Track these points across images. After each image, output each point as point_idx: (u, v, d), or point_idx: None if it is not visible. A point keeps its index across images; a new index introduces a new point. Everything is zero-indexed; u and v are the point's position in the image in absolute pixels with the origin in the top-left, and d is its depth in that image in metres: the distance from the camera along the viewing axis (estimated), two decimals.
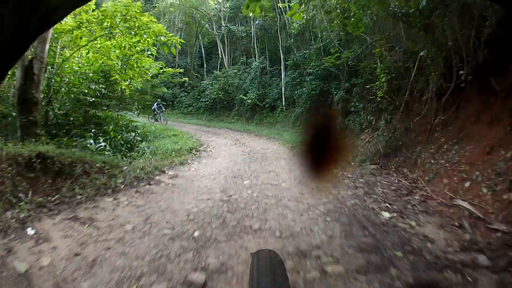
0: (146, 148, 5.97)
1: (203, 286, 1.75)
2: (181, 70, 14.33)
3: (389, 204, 3.13)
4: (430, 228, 2.48)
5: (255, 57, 18.68)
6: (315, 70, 11.61)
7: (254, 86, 16.94)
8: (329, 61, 9.94)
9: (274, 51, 17.16)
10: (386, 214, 2.85)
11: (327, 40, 10.73)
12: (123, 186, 3.68)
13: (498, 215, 2.41)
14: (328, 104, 10.76)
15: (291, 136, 9.86)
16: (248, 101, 15.79)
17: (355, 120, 8.34)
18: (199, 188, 3.87)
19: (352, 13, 5.97)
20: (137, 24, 5.20)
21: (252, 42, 18.81)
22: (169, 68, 10.68)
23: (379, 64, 6.51)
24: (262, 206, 3.17)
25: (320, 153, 0.89)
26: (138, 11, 5.06)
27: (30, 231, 2.36)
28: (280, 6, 12.73)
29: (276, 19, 14.89)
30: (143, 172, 4.18)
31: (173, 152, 5.96)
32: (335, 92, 10.40)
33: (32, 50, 4.07)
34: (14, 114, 4.32)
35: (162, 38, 5.46)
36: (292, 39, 14.03)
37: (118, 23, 5.03)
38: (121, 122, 6.48)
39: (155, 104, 15.08)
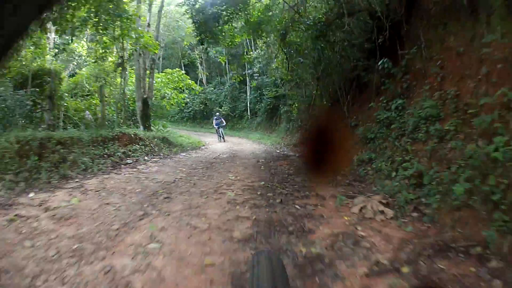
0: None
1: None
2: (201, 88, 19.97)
3: (279, 150, 9.87)
4: (282, 150, 9.21)
5: (226, 77, 25.29)
6: (270, 93, 18.57)
7: (227, 101, 23.60)
8: (274, 91, 16.92)
9: (243, 72, 23.82)
10: (276, 151, 9.58)
11: (273, 77, 17.61)
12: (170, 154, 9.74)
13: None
14: (278, 114, 17.68)
15: (254, 136, 16.67)
16: (223, 112, 22.34)
17: (293, 124, 15.14)
18: (216, 151, 10.28)
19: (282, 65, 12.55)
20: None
21: (225, 65, 25.10)
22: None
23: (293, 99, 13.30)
24: (243, 149, 9.78)
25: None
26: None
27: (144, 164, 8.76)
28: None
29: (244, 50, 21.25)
30: (176, 150, 10.30)
31: (194, 144, 12.20)
32: (281, 107, 17.24)
33: (147, 92, 10.49)
34: (140, 121, 10.46)
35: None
36: (255, 69, 20.82)
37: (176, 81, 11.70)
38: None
39: (214, 118, 15.87)
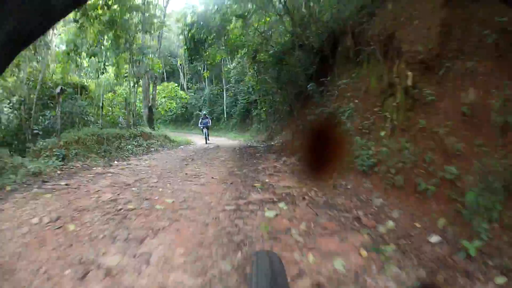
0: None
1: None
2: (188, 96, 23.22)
3: (249, 144, 13.63)
4: (251, 143, 12.98)
5: (205, 83, 28.91)
6: (243, 99, 22.42)
7: (206, 105, 27.14)
8: (247, 97, 20.76)
9: (220, 79, 27.53)
10: (247, 144, 13.35)
11: (248, 85, 21.43)
12: (173, 147, 13.32)
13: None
14: (251, 116, 21.49)
15: (230, 135, 20.43)
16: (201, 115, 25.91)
17: (262, 124, 18.98)
18: (204, 145, 13.86)
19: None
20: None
21: (204, 71, 28.56)
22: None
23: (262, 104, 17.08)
24: (223, 143, 13.48)
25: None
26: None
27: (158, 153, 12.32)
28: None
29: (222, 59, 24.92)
30: (175, 144, 13.84)
31: (185, 141, 15.70)
32: (253, 111, 21.06)
33: (151, 102, 13.95)
34: (146, 123, 13.83)
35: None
36: (232, 80, 24.61)
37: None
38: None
39: (200, 118, 16.67)
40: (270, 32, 13.98)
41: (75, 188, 4.49)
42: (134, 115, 13.04)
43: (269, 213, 3.39)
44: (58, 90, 7.63)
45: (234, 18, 14.27)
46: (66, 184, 4.69)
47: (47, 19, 0.40)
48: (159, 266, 2.27)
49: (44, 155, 6.66)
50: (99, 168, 6.39)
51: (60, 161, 6.44)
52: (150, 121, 13.84)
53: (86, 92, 11.55)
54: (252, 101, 21.61)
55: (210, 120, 16.46)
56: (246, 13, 13.71)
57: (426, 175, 3.16)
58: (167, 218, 3.27)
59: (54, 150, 6.87)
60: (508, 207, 2.42)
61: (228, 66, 22.01)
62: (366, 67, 6.08)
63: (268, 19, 13.78)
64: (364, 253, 2.48)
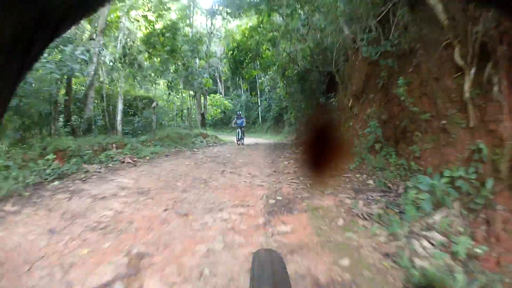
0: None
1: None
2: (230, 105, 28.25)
3: (281, 142, 17.92)
4: (282, 142, 17.24)
5: (241, 90, 33.66)
6: (276, 105, 26.82)
7: (242, 110, 31.82)
8: (279, 104, 25.13)
9: (255, 87, 32.20)
10: (279, 143, 17.64)
11: (279, 94, 25.81)
12: (223, 144, 17.94)
13: None
14: (283, 120, 25.81)
15: (265, 136, 24.87)
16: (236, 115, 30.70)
17: (292, 127, 23.25)
18: (245, 143, 18.32)
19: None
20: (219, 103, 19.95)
21: (240, 81, 33.58)
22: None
23: (291, 110, 21.39)
24: (260, 142, 17.87)
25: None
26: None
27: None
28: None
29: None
30: (223, 142, 18.46)
31: (229, 141, 20.31)
32: (285, 116, 25.38)
33: (203, 109, 18.68)
34: (200, 126, 18.58)
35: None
36: (266, 85, 29.15)
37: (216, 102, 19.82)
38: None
39: (235, 118, 16.97)
40: (295, 52, 18.23)
41: (184, 158, 9.07)
42: (192, 120, 17.82)
43: (285, 163, 7.77)
44: (154, 104, 12.48)
45: (265, 42, 18.67)
46: (177, 157, 9.31)
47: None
48: (243, 181, 6.66)
49: (147, 145, 11.32)
50: (188, 152, 11.01)
51: (161, 147, 11.07)
52: (203, 125, 18.60)
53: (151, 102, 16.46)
54: (284, 107, 25.90)
55: (244, 120, 16.76)
56: (274, 39, 18.03)
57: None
58: (243, 164, 7.75)
59: (153, 142, 11.53)
60: (371, 152, 6.53)
61: (262, 78, 26.43)
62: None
63: (294, 42, 18.03)
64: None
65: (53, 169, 5.83)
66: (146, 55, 15.15)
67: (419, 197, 3.67)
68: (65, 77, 8.54)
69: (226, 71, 23.32)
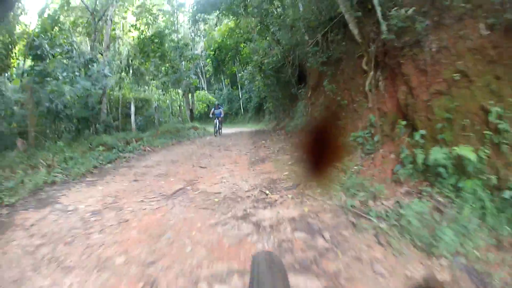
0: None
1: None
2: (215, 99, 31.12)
3: (262, 129, 20.90)
4: (263, 129, 20.23)
5: (223, 84, 36.38)
6: (256, 96, 29.73)
7: (225, 102, 34.61)
8: (259, 95, 28.07)
9: (236, 81, 34.98)
10: (260, 130, 20.62)
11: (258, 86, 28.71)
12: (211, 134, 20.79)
13: None
14: (263, 110, 28.75)
15: (248, 125, 27.81)
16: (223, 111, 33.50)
17: (272, 115, 26.22)
18: (229, 132, 21.20)
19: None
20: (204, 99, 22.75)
21: (222, 76, 36.36)
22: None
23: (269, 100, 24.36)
24: (243, 130, 20.84)
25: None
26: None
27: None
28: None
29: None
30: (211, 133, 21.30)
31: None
32: (265, 105, 28.31)
33: (191, 105, 21.43)
34: (189, 120, 21.39)
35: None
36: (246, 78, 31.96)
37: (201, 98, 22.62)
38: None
39: (213, 108, 17.13)
40: (270, 48, 21.07)
41: (187, 145, 11.89)
42: (182, 115, 20.57)
43: (262, 141, 10.76)
44: (155, 105, 15.20)
45: (243, 41, 21.53)
46: (181, 145, 12.14)
47: None
48: (234, 153, 9.59)
49: (154, 138, 14.03)
50: (187, 141, 13.82)
51: (165, 139, 13.80)
52: (192, 119, 21.39)
53: (149, 104, 19.10)
54: (263, 97, 28.75)
55: (222, 111, 17.04)
56: (251, 38, 20.86)
57: None
58: (232, 145, 10.75)
59: (157, 135, 14.22)
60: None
61: (242, 73, 29.21)
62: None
63: (268, 39, 20.88)
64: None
65: (103, 157, 8.58)
66: (139, 61, 17.74)
67: None
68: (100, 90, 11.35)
69: (209, 69, 26.01)
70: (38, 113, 9.44)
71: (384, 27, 5.54)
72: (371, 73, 6.58)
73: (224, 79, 33.33)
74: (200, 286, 2.36)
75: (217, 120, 16.24)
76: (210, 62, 22.39)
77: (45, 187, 5.60)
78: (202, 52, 27.33)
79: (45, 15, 14.40)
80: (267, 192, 4.77)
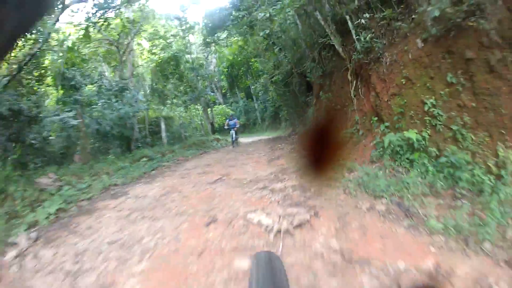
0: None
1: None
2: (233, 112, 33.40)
3: (278, 136, 22.80)
4: (280, 136, 22.09)
5: (239, 97, 38.64)
6: (271, 106, 31.75)
7: (242, 114, 36.77)
8: (273, 104, 30.09)
9: (250, 92, 37.16)
10: (277, 136, 22.52)
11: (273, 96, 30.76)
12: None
13: None
14: (279, 118, 30.69)
15: (265, 133, 29.81)
16: (240, 122, 35.57)
17: (287, 122, 28.13)
18: (249, 141, 23.14)
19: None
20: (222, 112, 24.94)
21: (236, 90, 38.69)
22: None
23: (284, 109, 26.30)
24: (262, 138, 22.77)
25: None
26: None
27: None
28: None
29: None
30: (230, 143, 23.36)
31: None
32: (280, 113, 30.23)
33: (211, 119, 23.63)
34: (210, 133, 23.56)
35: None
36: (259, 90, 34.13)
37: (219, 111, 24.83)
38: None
39: (227, 120, 17.34)
40: (278, 60, 23.10)
41: (214, 154, 13.92)
42: (204, 128, 22.76)
43: (278, 145, 12.66)
44: (180, 121, 17.38)
45: (253, 57, 23.66)
46: (208, 154, 14.18)
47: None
48: (255, 156, 11.55)
49: (184, 150, 16.15)
50: (214, 151, 15.85)
51: (193, 150, 15.88)
52: (213, 131, 23.55)
53: (173, 121, 21.40)
54: (278, 106, 30.71)
55: (237, 121, 17.15)
56: (260, 54, 22.93)
57: None
58: (253, 151, 12.73)
59: (185, 148, 16.31)
60: None
61: (255, 85, 31.44)
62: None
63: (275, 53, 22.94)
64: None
65: (148, 165, 10.68)
66: (161, 84, 20.14)
67: None
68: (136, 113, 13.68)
69: (224, 84, 28.32)
70: (89, 134, 11.75)
71: (358, 47, 7.41)
72: (354, 82, 8.39)
73: (239, 93, 35.60)
74: (240, 216, 4.32)
75: (233, 131, 16.49)
76: (224, 78, 24.49)
77: (111, 187, 7.71)
78: (215, 69, 29.69)
79: (64, 46, 15.68)
80: (279, 175, 6.73)
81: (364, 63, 7.35)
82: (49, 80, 15.01)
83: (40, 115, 10.43)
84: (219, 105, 30.48)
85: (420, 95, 5.66)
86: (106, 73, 18.20)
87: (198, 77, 21.62)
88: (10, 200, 5.67)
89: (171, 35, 23.10)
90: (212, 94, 23.71)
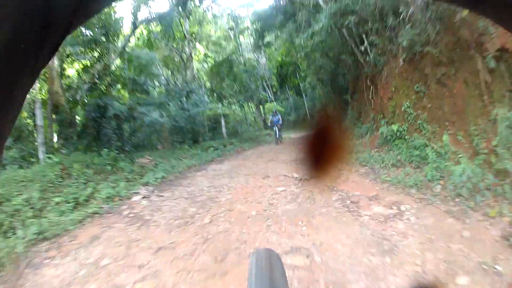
0: None
1: None
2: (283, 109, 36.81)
3: None
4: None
5: (288, 94, 41.54)
6: (319, 103, 34.29)
7: (292, 111, 39.59)
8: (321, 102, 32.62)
9: (299, 90, 39.85)
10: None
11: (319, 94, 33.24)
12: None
13: None
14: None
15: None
16: (291, 118, 38.46)
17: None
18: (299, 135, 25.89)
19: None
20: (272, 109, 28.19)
21: (286, 88, 41.55)
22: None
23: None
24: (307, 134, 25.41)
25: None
26: None
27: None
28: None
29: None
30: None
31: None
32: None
33: (263, 115, 26.87)
34: (263, 128, 26.87)
35: None
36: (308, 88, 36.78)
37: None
38: None
39: (271, 116, 17.55)
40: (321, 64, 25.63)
41: (267, 146, 17.11)
42: (257, 124, 26.07)
43: None
44: (237, 118, 20.83)
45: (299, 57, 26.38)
46: (264, 146, 17.40)
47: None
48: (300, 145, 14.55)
49: (241, 142, 19.49)
50: (267, 144, 19.03)
51: (250, 143, 19.14)
52: (265, 127, 26.78)
53: (229, 117, 24.95)
54: (325, 103, 33.03)
55: (281, 117, 17.19)
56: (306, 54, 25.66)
57: None
58: (298, 143, 15.55)
59: (242, 141, 19.62)
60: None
61: (304, 82, 34.10)
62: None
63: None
64: None
65: (215, 153, 14.11)
66: (218, 85, 23.77)
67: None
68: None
69: (275, 84, 31.39)
70: (168, 129, 15.62)
71: (370, 61, 10.11)
72: (371, 88, 11.02)
73: (288, 90, 38.36)
74: (282, 174, 7.63)
75: (276, 128, 16.77)
76: (275, 78, 27.53)
77: (192, 166, 11.18)
78: (265, 67, 32.78)
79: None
80: None
81: (375, 73, 10.01)
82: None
83: (133, 115, 14.35)
84: (270, 102, 33.44)
85: (402, 100, 8.32)
86: (163, 76, 22.07)
87: (251, 78, 24.90)
88: (121, 172, 9.24)
89: (224, 40, 26.69)
90: (263, 93, 26.91)
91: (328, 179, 0.62)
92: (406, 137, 7.90)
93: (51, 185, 6.55)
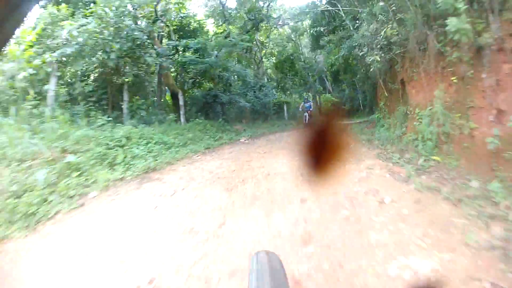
0: None
1: None
2: (336, 100, 42.60)
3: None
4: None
5: (343, 87, 46.77)
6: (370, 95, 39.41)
7: (347, 101, 44.74)
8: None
9: (354, 83, 44.85)
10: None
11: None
12: None
13: None
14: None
15: (363, 118, 37.70)
16: (346, 108, 43.73)
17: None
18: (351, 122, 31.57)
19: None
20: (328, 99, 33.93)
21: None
22: None
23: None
24: (359, 122, 30.85)
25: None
26: None
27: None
28: None
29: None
30: None
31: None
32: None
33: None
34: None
35: None
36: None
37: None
38: None
39: (303, 102, 19.54)
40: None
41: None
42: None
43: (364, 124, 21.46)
44: (296, 105, 27.22)
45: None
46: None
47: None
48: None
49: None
50: None
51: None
52: (321, 115, 32.66)
53: (290, 104, 31.19)
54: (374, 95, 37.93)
55: (312, 104, 18.48)
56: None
57: None
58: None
59: (297, 123, 25.84)
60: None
61: (357, 77, 39.24)
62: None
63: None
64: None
65: (277, 127, 20.67)
66: (281, 79, 30.24)
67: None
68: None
69: (330, 78, 37.07)
70: (248, 110, 22.68)
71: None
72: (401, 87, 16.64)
73: (344, 83, 43.57)
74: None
75: (306, 113, 17.81)
76: (329, 73, 33.23)
77: (264, 133, 17.81)
78: (321, 65, 38.46)
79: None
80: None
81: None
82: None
83: (231, 100, 21.38)
84: (328, 93, 38.92)
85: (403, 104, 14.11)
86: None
87: (309, 73, 30.90)
88: (228, 131, 16.32)
89: (286, 42, 32.93)
90: (318, 87, 32.85)
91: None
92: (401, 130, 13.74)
93: (200, 131, 13.88)
